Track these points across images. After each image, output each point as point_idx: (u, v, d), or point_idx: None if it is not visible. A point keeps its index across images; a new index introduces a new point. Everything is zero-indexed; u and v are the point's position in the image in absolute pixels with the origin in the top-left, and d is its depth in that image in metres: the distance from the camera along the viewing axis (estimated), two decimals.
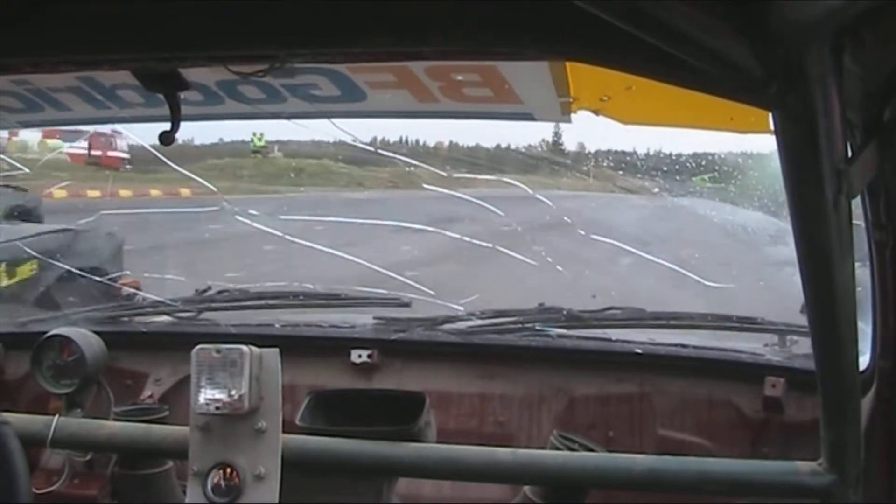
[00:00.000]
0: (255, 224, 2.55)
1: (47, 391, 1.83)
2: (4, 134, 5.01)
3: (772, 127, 0.82)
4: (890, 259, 1.26)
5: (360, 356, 1.98)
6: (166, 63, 0.99)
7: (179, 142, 1.10)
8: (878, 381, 1.40)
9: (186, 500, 1.43)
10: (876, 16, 0.74)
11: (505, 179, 2.86)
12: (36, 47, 0.94)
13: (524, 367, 1.97)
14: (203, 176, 2.82)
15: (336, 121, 1.93)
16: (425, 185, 2.83)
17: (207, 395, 1.40)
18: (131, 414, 1.69)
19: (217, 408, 1.40)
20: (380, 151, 2.94)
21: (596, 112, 1.72)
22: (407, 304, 2.17)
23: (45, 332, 1.84)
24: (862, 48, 0.80)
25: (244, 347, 1.41)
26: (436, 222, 3.44)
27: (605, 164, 5.83)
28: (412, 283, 2.31)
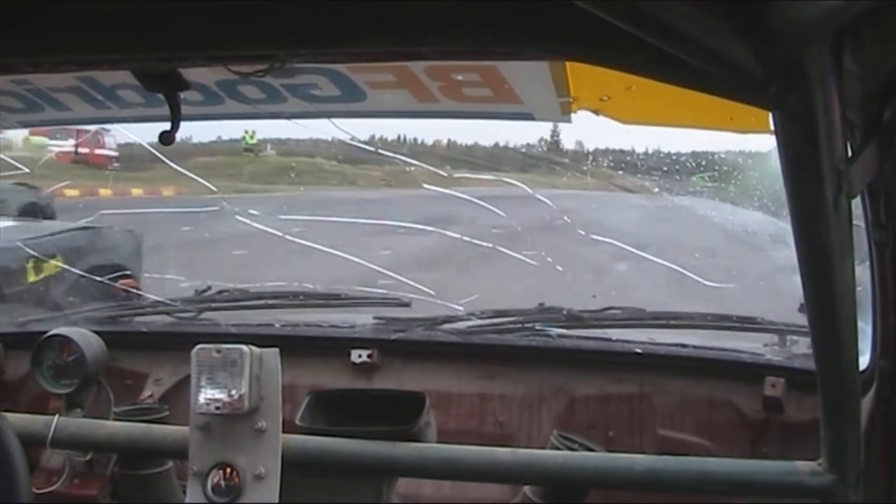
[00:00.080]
0: (254, 224, 2.55)
1: (47, 391, 1.82)
2: None
3: (772, 127, 0.82)
4: (890, 259, 1.26)
5: (360, 356, 1.98)
6: (166, 63, 0.99)
7: (178, 140, 1.10)
8: (879, 381, 1.40)
9: (186, 500, 1.43)
10: (876, 16, 0.74)
11: (504, 179, 2.85)
12: (36, 47, 0.94)
13: (524, 367, 1.97)
14: (194, 174, 2.81)
15: (335, 120, 1.93)
16: (424, 185, 2.83)
17: (207, 394, 1.40)
18: (131, 414, 1.69)
19: (217, 408, 1.40)
20: (380, 151, 2.93)
21: (596, 112, 1.72)
22: (407, 304, 2.17)
23: (45, 332, 1.84)
24: (862, 48, 0.80)
25: (244, 347, 1.41)
26: (434, 222, 3.44)
27: (604, 164, 5.84)
28: (412, 283, 2.31)
